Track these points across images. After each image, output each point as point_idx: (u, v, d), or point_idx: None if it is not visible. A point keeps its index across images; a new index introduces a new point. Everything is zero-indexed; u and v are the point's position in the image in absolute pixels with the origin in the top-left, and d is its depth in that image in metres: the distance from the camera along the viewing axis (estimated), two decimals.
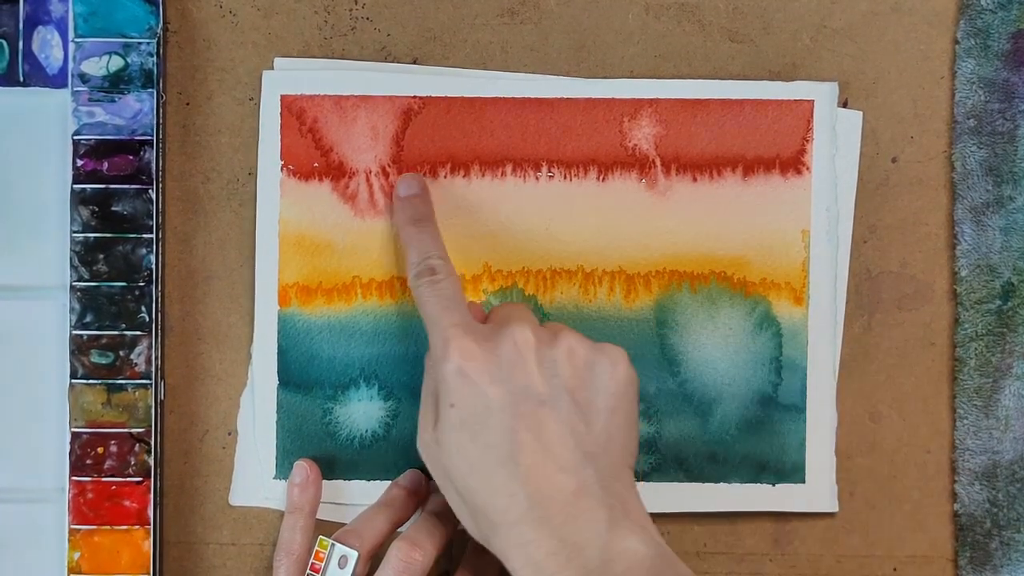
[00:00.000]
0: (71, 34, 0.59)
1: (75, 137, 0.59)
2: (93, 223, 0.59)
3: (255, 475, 0.61)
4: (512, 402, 0.52)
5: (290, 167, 0.60)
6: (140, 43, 0.59)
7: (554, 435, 0.52)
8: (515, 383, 0.52)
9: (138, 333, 0.59)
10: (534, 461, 0.51)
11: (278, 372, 0.61)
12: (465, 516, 0.54)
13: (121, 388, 0.59)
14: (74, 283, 0.59)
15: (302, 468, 0.60)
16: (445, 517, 0.59)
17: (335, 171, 0.60)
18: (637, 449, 0.55)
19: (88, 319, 0.59)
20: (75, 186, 0.59)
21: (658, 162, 0.61)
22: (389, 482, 0.60)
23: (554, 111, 0.60)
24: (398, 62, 0.61)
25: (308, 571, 0.57)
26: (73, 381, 0.59)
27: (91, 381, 0.59)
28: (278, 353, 0.61)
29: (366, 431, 0.61)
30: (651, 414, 0.61)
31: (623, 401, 0.54)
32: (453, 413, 0.53)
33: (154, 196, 0.59)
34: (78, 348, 0.59)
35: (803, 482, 0.61)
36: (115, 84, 0.59)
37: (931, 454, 0.61)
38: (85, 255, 0.59)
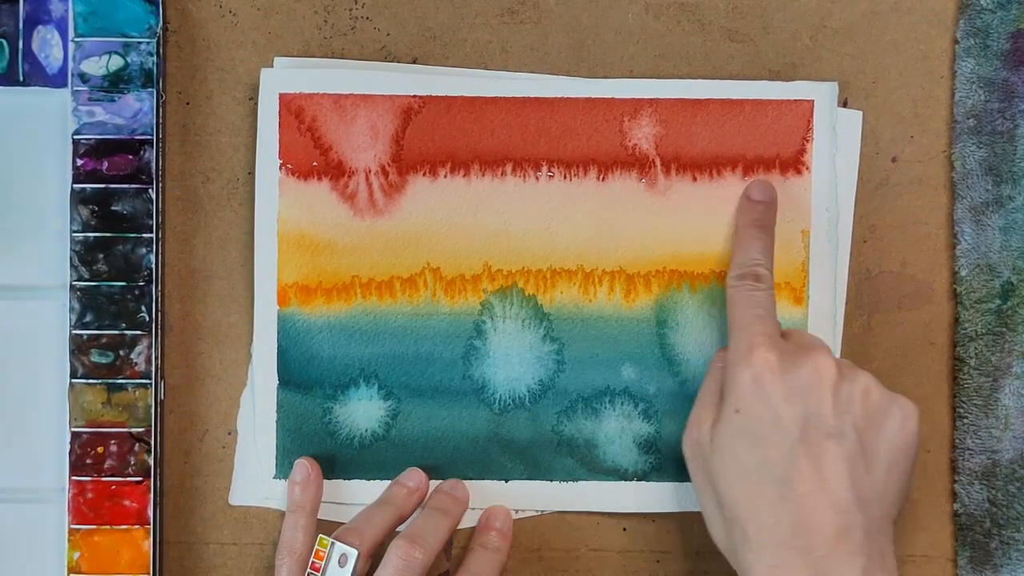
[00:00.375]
0: (71, 34, 0.59)
1: (75, 137, 0.59)
2: (93, 223, 0.59)
3: (255, 475, 0.61)
4: (801, 425, 0.52)
5: (289, 166, 0.60)
6: (140, 43, 0.59)
7: (833, 471, 0.52)
8: (807, 408, 0.53)
9: (138, 333, 0.59)
10: (808, 490, 0.52)
11: (278, 372, 0.61)
12: (716, 522, 0.55)
13: (121, 388, 0.59)
14: (74, 283, 0.59)
15: (303, 466, 0.60)
16: (446, 515, 0.59)
17: (334, 170, 0.60)
18: (903, 506, 0.55)
19: (88, 319, 0.59)
20: (75, 186, 0.59)
21: (658, 162, 0.61)
22: (389, 482, 0.60)
23: (554, 111, 0.60)
24: (398, 62, 0.61)
25: (309, 570, 0.57)
26: (73, 381, 0.59)
27: (91, 381, 0.59)
28: (278, 353, 0.61)
29: (366, 431, 0.61)
30: (651, 414, 0.61)
31: (905, 456, 0.54)
32: (737, 419, 0.53)
33: (154, 196, 0.59)
34: (78, 348, 0.59)
35: None
36: (115, 84, 0.59)
37: (931, 454, 0.61)
38: (85, 255, 0.59)
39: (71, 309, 0.59)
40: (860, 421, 0.53)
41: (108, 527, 0.59)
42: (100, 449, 0.59)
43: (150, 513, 0.59)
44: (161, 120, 0.60)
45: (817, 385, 0.53)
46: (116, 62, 0.59)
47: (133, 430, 0.59)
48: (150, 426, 0.59)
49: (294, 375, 0.61)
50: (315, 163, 0.60)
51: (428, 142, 0.60)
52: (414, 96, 0.60)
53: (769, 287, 0.57)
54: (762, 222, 0.59)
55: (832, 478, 0.52)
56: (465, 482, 0.61)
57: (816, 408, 0.53)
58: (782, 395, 0.53)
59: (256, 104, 0.60)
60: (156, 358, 0.59)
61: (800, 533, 0.51)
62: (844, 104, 0.61)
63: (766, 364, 0.53)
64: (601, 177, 0.61)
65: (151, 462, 0.59)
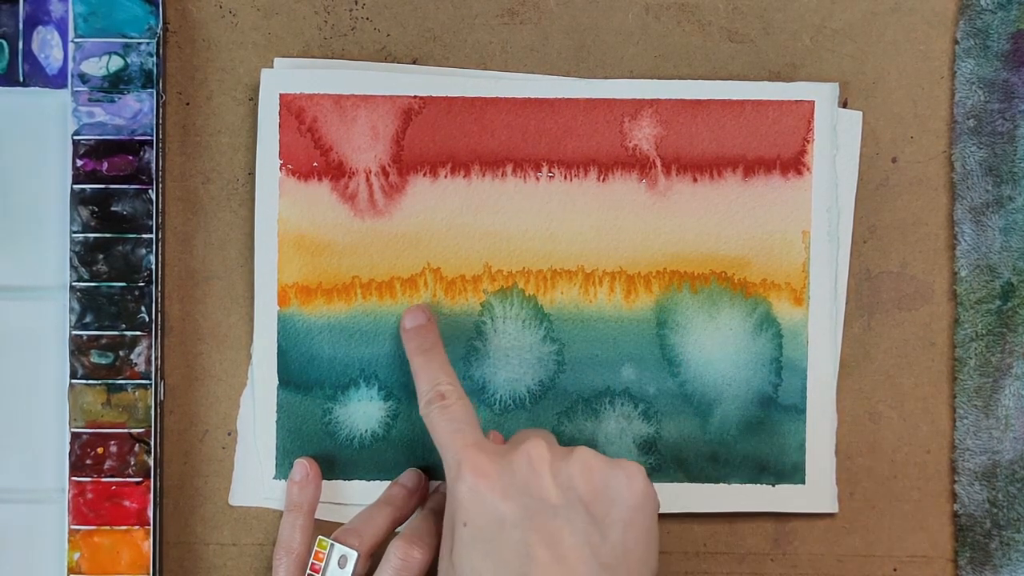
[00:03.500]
0: (71, 34, 0.59)
1: (75, 137, 0.59)
2: (93, 223, 0.59)
3: (255, 475, 0.61)
4: (525, 515, 0.52)
5: (289, 166, 0.60)
6: (140, 43, 0.59)
7: (569, 547, 0.51)
8: (529, 496, 0.52)
9: (138, 333, 0.59)
10: (549, 575, 0.51)
11: (278, 372, 0.61)
12: None
13: (121, 388, 0.59)
14: (74, 283, 0.59)
15: (302, 465, 0.60)
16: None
17: (335, 171, 0.60)
18: (656, 564, 0.54)
19: (88, 319, 0.59)
20: (75, 186, 0.59)
21: (658, 162, 0.61)
22: (388, 482, 0.60)
23: (554, 111, 0.60)
24: (398, 62, 0.61)
25: (308, 571, 0.57)
26: (73, 381, 0.59)
27: (91, 381, 0.59)
28: (278, 353, 0.61)
29: (366, 431, 0.61)
30: (651, 415, 0.61)
31: (639, 514, 0.53)
32: (466, 532, 0.53)
33: (154, 196, 0.59)
34: (78, 348, 0.59)
35: (803, 482, 0.61)
36: (115, 84, 0.59)
37: (931, 454, 0.61)
38: (85, 255, 0.59)
39: (71, 309, 0.59)
40: (585, 494, 0.52)
41: (108, 527, 0.59)
42: (100, 450, 0.59)
43: (150, 514, 0.59)
44: (161, 121, 0.60)
45: (533, 472, 0.52)
46: (116, 63, 0.59)
47: (133, 431, 0.59)
48: (150, 426, 0.59)
49: (294, 375, 0.61)
50: (315, 164, 0.60)
51: (428, 143, 0.60)
52: (414, 96, 0.60)
53: (458, 398, 0.56)
54: (425, 345, 0.58)
55: (570, 555, 0.51)
56: None
57: (538, 494, 0.52)
58: (500, 494, 0.52)
59: (256, 105, 0.60)
60: (156, 359, 0.59)
61: None
62: (844, 104, 0.61)
63: (476, 470, 0.53)
64: (601, 178, 0.61)
65: (151, 462, 0.59)
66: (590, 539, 0.52)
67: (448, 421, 0.55)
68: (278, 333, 0.61)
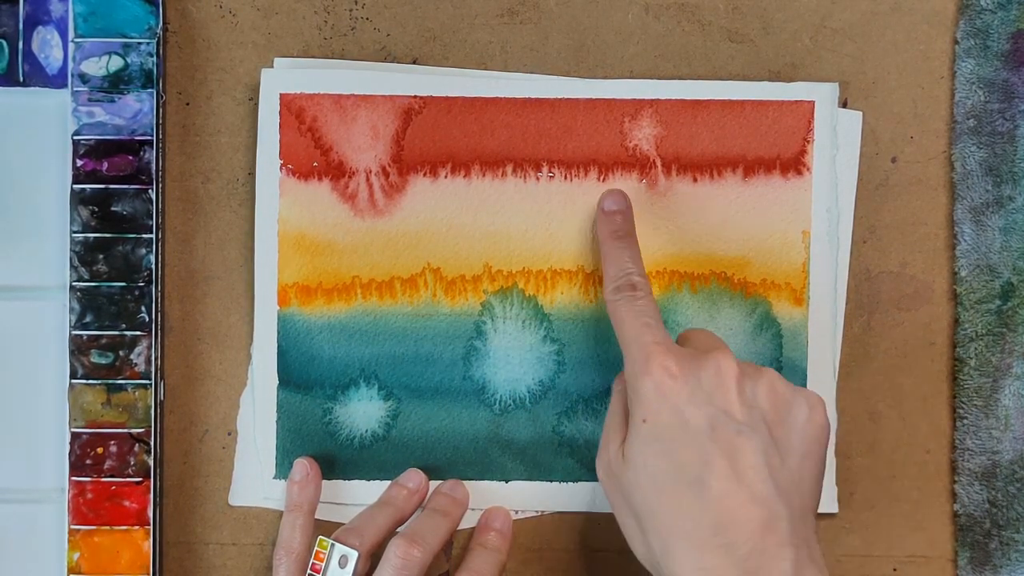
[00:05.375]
0: (71, 34, 0.59)
1: (75, 137, 0.59)
2: (93, 223, 0.59)
3: (255, 475, 0.61)
4: (710, 424, 0.52)
5: (289, 166, 0.60)
6: (140, 43, 0.59)
7: (749, 464, 0.51)
8: (714, 406, 0.52)
9: (138, 333, 0.59)
10: (726, 487, 0.50)
11: (278, 372, 0.61)
12: (636, 538, 0.53)
13: (121, 388, 0.59)
14: (74, 283, 0.59)
15: (302, 465, 0.60)
16: (446, 516, 0.59)
17: (335, 170, 0.60)
18: (819, 499, 0.53)
19: (88, 319, 0.59)
20: (75, 186, 0.59)
21: (658, 162, 0.61)
22: (389, 482, 0.60)
23: (554, 111, 0.60)
24: (398, 62, 0.61)
25: (309, 571, 0.57)
26: (73, 381, 0.59)
27: (91, 381, 0.59)
28: (278, 353, 0.61)
29: (366, 431, 0.61)
30: None
31: (817, 446, 0.53)
32: (645, 428, 0.53)
33: (154, 196, 0.59)
34: (78, 348, 0.59)
35: None
36: (115, 84, 0.59)
37: (931, 454, 0.61)
38: (85, 255, 0.59)
39: (71, 309, 0.59)
40: (769, 415, 0.52)
41: (108, 527, 0.59)
42: (100, 449, 0.59)
43: (150, 513, 0.59)
44: (161, 120, 0.60)
45: (721, 385, 0.52)
46: (116, 62, 0.59)
47: (133, 430, 0.59)
48: (150, 426, 0.59)
49: (294, 375, 0.61)
50: (316, 163, 0.60)
51: (428, 142, 0.60)
52: (414, 96, 0.60)
53: (647, 294, 0.56)
54: (621, 232, 0.58)
55: (749, 472, 0.51)
56: (465, 483, 0.61)
57: (723, 406, 0.52)
58: (686, 398, 0.52)
59: (256, 104, 0.60)
60: (156, 358, 0.59)
61: (722, 531, 0.50)
62: (844, 104, 0.61)
63: (666, 371, 0.53)
64: (602, 178, 0.61)
65: (151, 462, 0.59)
66: (770, 460, 0.51)
67: (638, 313, 0.55)
68: (278, 333, 0.61)
